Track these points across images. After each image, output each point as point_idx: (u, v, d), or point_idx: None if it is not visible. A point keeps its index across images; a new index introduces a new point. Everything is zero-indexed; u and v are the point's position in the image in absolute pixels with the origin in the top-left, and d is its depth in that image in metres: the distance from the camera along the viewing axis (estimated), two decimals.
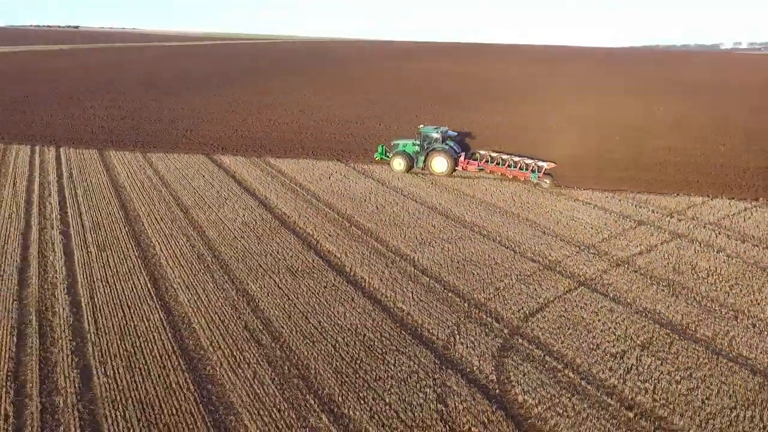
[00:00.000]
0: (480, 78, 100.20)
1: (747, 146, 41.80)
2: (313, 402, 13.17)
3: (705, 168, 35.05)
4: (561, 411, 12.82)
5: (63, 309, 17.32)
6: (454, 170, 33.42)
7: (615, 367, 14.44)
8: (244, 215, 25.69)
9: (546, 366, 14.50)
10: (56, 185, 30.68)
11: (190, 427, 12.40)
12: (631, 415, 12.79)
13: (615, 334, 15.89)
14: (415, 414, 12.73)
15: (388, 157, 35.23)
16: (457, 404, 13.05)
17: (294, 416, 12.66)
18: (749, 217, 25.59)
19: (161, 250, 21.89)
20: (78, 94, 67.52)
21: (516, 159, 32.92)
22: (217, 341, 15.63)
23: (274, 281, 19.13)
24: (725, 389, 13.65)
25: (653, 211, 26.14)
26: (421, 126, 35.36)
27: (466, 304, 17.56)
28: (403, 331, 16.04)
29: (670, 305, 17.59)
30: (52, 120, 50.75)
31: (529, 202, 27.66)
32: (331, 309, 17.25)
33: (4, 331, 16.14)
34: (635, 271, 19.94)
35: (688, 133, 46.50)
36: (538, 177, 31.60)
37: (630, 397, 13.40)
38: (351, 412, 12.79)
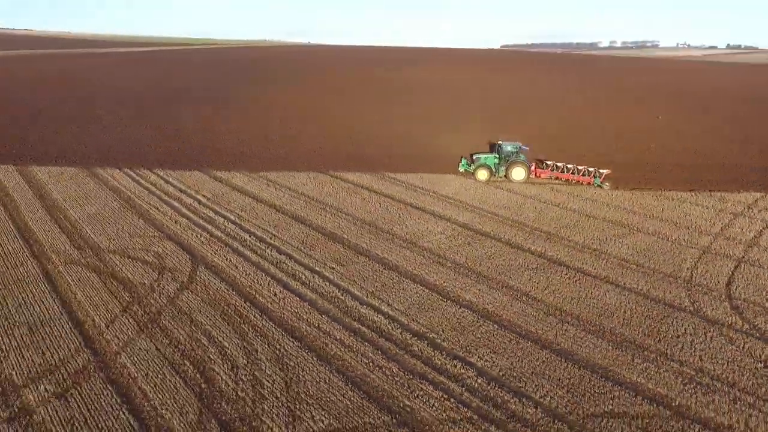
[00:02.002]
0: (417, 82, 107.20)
1: (737, 146, 51.87)
2: (639, 359, 18.76)
3: (730, 167, 43.86)
4: None
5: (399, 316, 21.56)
6: (528, 177, 40.19)
7: None
8: (435, 227, 30.47)
9: None
10: (207, 210, 33.11)
11: (586, 381, 17.49)
12: None
13: None
14: (722, 355, 18.96)
15: (470, 168, 41.40)
16: (743, 345, 19.49)
17: (654, 367, 18.41)
18: None
19: (399, 261, 25.97)
20: (72, 108, 65.34)
21: (580, 167, 40.18)
22: (538, 325, 20.64)
23: (524, 277, 24.52)
24: None
25: (734, 205, 34.03)
26: (500, 141, 41.86)
27: (679, 281, 24.12)
28: (657, 304, 22.23)
29: None
30: (82, 139, 50.62)
31: (641, 203, 34.66)
32: (593, 293, 23.05)
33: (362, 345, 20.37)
34: (765, 250, 27.46)
35: (686, 137, 56.19)
36: (600, 181, 39.01)
37: None
38: (683, 357, 18.81)
